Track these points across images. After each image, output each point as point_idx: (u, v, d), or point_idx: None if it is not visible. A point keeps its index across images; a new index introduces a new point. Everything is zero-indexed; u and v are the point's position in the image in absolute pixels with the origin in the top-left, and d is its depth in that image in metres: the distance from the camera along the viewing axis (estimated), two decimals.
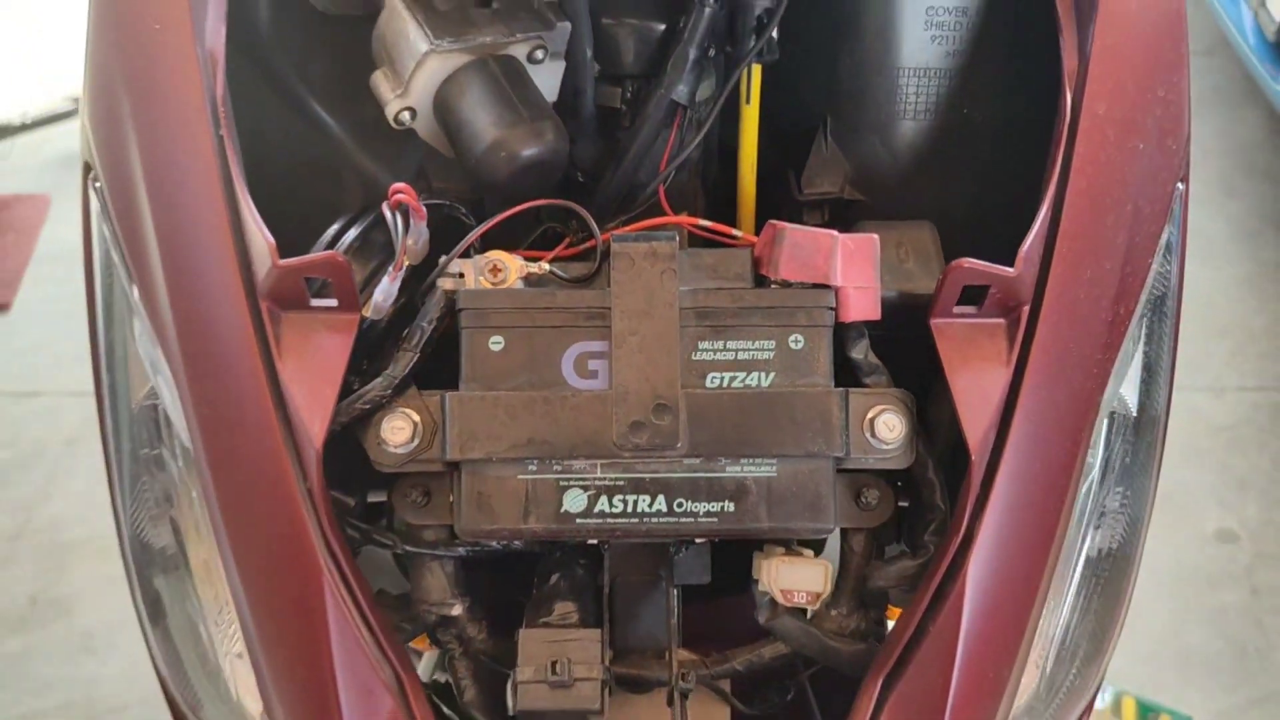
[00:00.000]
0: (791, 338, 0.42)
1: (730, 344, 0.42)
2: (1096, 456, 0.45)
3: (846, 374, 0.44)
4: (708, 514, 0.42)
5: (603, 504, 0.42)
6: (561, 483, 0.44)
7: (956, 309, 0.44)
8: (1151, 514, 0.50)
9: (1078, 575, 0.46)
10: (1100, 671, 0.48)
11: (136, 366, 0.48)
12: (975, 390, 0.42)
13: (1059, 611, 0.46)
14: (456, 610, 0.46)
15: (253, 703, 0.43)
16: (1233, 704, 1.21)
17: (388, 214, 0.43)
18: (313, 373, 0.41)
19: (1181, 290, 0.50)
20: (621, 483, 0.42)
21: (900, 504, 0.46)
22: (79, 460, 1.31)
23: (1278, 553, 1.33)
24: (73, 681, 1.12)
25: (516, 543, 0.46)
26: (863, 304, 0.42)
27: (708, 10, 0.46)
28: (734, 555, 0.48)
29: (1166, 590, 1.29)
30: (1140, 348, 0.48)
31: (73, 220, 1.39)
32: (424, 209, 0.44)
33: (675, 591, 0.47)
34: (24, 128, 1.51)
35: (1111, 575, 0.47)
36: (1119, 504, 0.47)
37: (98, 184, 0.45)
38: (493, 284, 0.43)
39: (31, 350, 1.40)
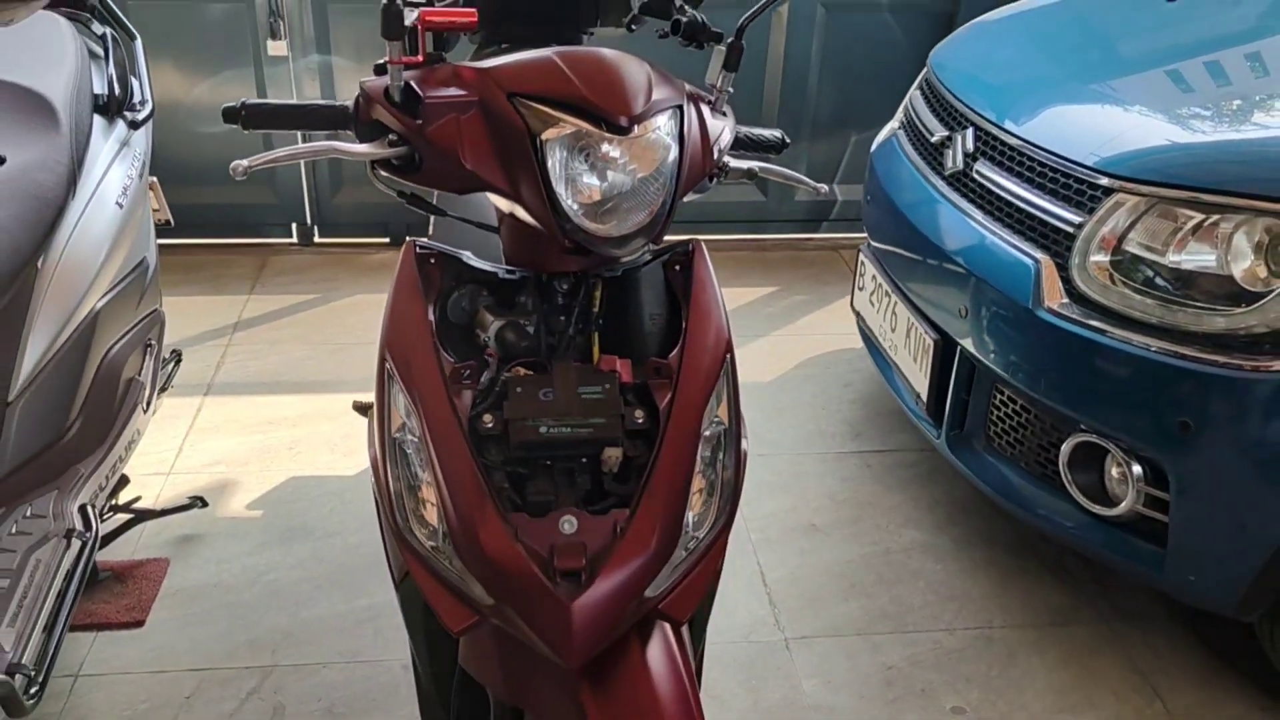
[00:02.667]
0: (605, 384, 1.23)
1: (590, 388, 1.23)
2: (709, 421, 1.25)
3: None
4: (587, 431, 1.19)
5: (554, 431, 1.19)
6: (540, 425, 1.14)
7: (654, 378, 1.24)
8: (744, 466, 1.29)
9: (707, 459, 1.24)
10: (730, 509, 1.24)
11: (396, 416, 1.24)
12: (663, 400, 1.23)
13: (703, 472, 1.23)
14: (499, 485, 1.20)
15: (432, 514, 1.16)
16: None
17: (489, 358, 1.24)
18: (464, 401, 1.20)
19: (737, 386, 1.32)
20: (560, 423, 1.20)
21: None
22: (195, 714, 1.94)
23: (993, 717, 2.02)
24: None
25: (520, 468, 1.21)
26: (626, 378, 1.23)
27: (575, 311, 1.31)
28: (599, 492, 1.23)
29: None
30: (725, 394, 1.29)
31: (184, 575, 2.13)
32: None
33: (584, 483, 1.21)
34: (155, 514, 2.29)
35: (728, 476, 1.25)
36: (724, 446, 1.26)
37: (388, 364, 1.26)
38: (519, 377, 1.24)
39: (160, 648, 2.06)
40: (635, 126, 1.12)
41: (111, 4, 2.25)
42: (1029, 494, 2.12)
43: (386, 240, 3.85)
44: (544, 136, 1.11)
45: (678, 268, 1.32)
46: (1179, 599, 2.11)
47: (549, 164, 1.12)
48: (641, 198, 1.15)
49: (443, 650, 1.38)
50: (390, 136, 1.18)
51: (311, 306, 3.39)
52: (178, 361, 2.34)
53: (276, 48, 3.49)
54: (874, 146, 2.79)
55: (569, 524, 1.13)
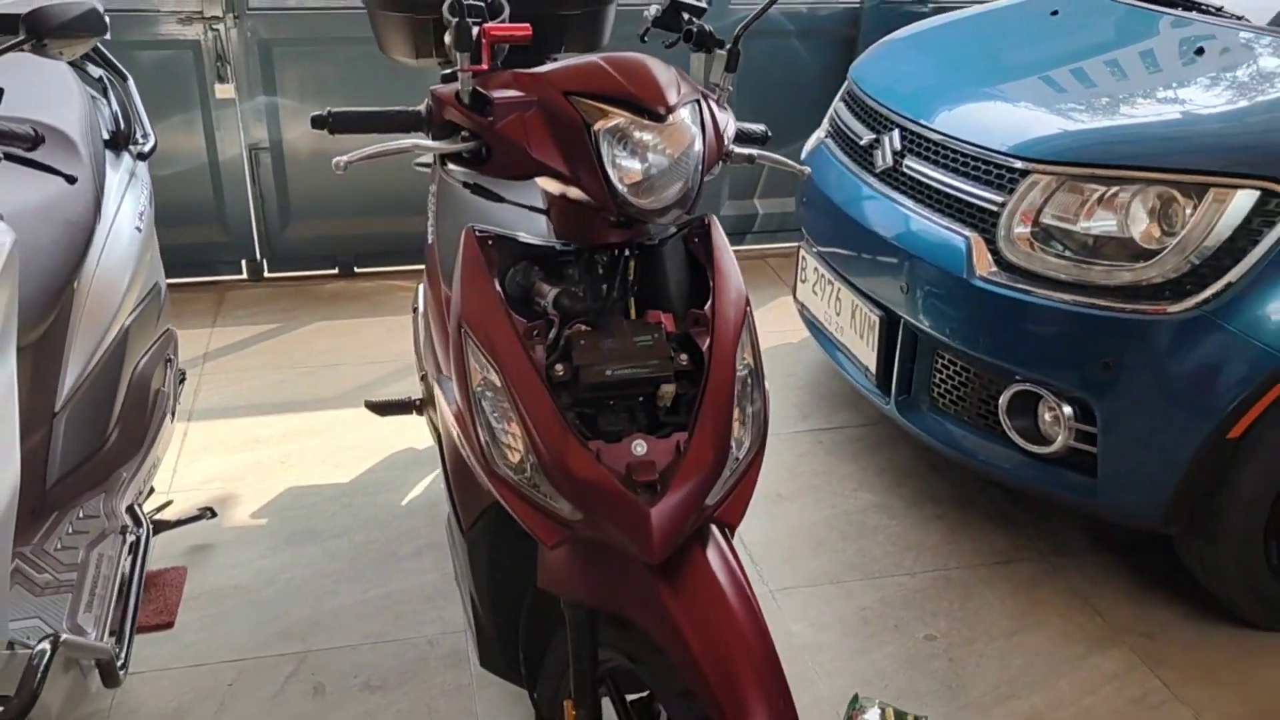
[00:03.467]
0: (654, 334, 1.45)
1: (642, 337, 1.45)
2: (740, 362, 1.48)
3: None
4: (646, 370, 1.40)
5: (617, 373, 1.40)
6: (606, 368, 1.40)
7: (695, 327, 1.47)
8: (768, 402, 1.53)
9: (740, 394, 1.47)
10: (761, 435, 1.48)
11: (476, 374, 1.42)
12: (704, 345, 1.46)
13: (740, 404, 1.46)
14: (573, 420, 1.40)
15: (514, 455, 1.36)
16: (949, 710, 2.10)
17: (552, 319, 1.45)
18: (538, 354, 1.40)
19: (757, 338, 1.56)
20: (621, 366, 1.41)
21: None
22: (239, 699, 2.06)
23: (960, 641, 2.28)
24: None
25: (587, 408, 1.42)
26: (670, 329, 1.46)
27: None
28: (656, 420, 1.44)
29: (903, 665, 2.21)
30: (749, 341, 1.52)
31: (204, 580, 2.26)
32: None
33: (643, 417, 1.43)
34: (170, 525, 2.40)
35: (757, 408, 1.49)
36: (753, 383, 1.50)
37: (464, 330, 1.46)
38: (581, 332, 1.44)
39: (194, 645, 2.17)
40: (669, 116, 1.35)
41: (102, 48, 2.40)
42: (973, 444, 2.40)
43: (335, 271, 4.00)
44: (596, 126, 1.34)
45: (696, 239, 1.55)
46: (1111, 520, 2.41)
47: (603, 149, 1.34)
48: (675, 176, 1.38)
49: (508, 584, 1.57)
50: (463, 134, 1.39)
51: (274, 335, 3.52)
52: (183, 380, 2.47)
53: (224, 91, 3.63)
54: (803, 155, 3.09)
55: (640, 446, 1.34)
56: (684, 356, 1.42)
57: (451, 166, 1.43)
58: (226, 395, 3.13)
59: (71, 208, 1.96)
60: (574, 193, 1.40)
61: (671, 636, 1.30)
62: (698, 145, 1.39)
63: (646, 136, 1.35)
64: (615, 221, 1.40)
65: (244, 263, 3.93)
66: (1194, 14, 2.66)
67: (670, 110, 1.35)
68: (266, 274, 3.94)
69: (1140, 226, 2.10)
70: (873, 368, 2.59)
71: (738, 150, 1.57)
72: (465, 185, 1.49)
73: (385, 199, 3.86)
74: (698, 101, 1.42)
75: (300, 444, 2.90)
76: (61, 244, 1.90)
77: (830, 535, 2.60)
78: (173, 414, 2.21)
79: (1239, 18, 2.58)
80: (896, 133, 2.58)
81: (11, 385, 1.45)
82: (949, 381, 2.44)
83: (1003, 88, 2.55)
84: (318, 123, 1.40)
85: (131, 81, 2.41)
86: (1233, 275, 2.00)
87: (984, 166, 2.31)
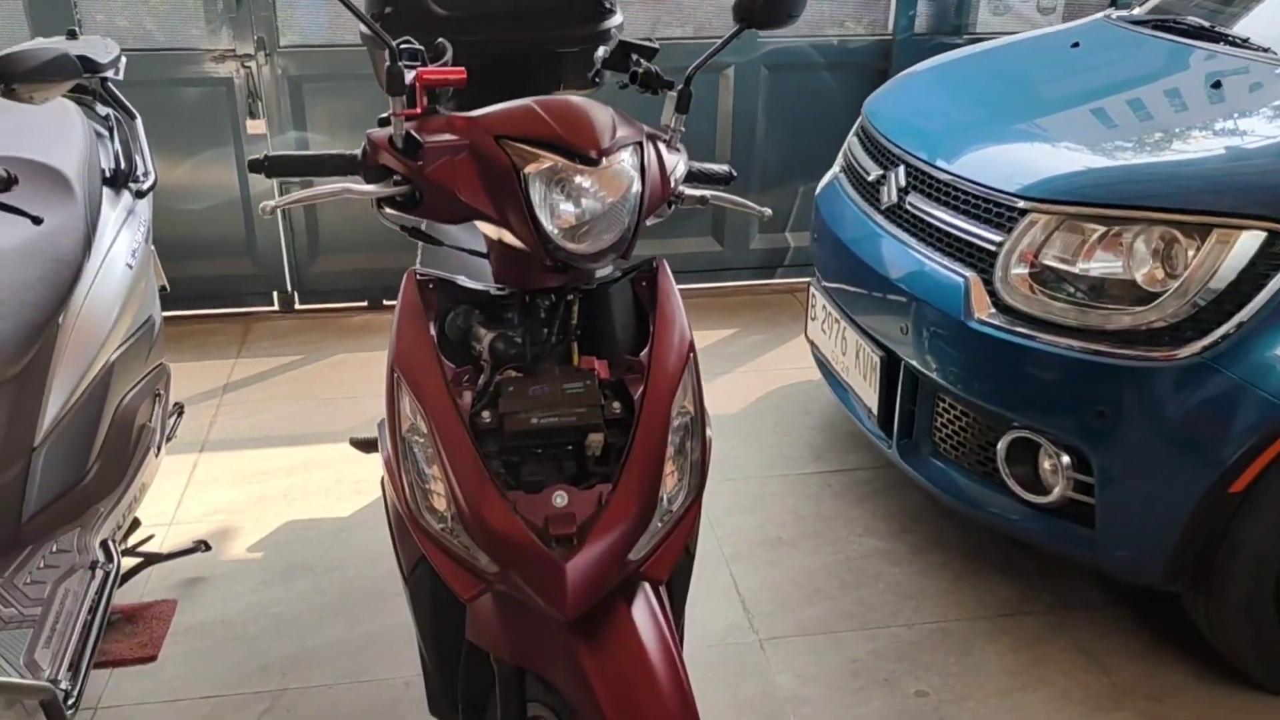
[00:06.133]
0: (585, 380, 1.42)
1: (573, 384, 1.42)
2: (678, 411, 1.43)
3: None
4: (572, 419, 1.37)
5: (543, 421, 1.37)
6: (531, 416, 1.33)
7: (628, 374, 1.43)
8: (709, 451, 1.48)
9: (677, 444, 1.42)
10: (699, 486, 1.42)
11: (405, 419, 1.40)
12: (636, 392, 1.42)
13: (674, 454, 1.41)
14: (497, 469, 1.37)
15: (440, 502, 1.34)
16: None
17: (484, 364, 1.42)
18: (465, 401, 1.38)
19: (700, 382, 1.51)
20: (548, 414, 1.38)
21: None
22: None
23: (953, 698, 2.19)
24: None
25: (514, 456, 1.40)
26: (604, 375, 1.42)
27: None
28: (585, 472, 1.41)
29: None
30: (690, 388, 1.48)
31: (192, 614, 2.28)
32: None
33: (570, 466, 1.39)
34: (162, 558, 2.42)
35: (695, 458, 1.44)
36: (692, 433, 1.45)
37: (396, 374, 1.44)
38: (510, 378, 1.42)
39: (174, 680, 2.18)
40: (603, 159, 1.32)
41: (112, 87, 2.45)
42: (974, 492, 2.31)
43: (365, 304, 4.04)
44: (526, 170, 1.32)
45: (644, 283, 1.51)
46: (1112, 576, 2.30)
47: (532, 194, 1.32)
48: (611, 220, 1.35)
49: (448, 633, 1.54)
50: (395, 178, 1.38)
51: (297, 367, 3.56)
52: (180, 413, 2.50)
53: (255, 126, 3.70)
54: (818, 190, 3.03)
55: (560, 498, 1.31)
56: (616, 404, 1.38)
57: (388, 210, 1.42)
58: (241, 426, 3.16)
59: (60, 245, 2.00)
60: (509, 237, 1.38)
61: (584, 697, 1.26)
62: (635, 188, 1.36)
63: (581, 181, 1.33)
64: (551, 266, 1.38)
65: (275, 294, 3.99)
66: (1217, 46, 2.56)
67: (603, 154, 1.32)
68: (297, 305, 4.00)
69: (1143, 268, 2.01)
70: (875, 409, 2.52)
71: (688, 192, 1.54)
72: (402, 229, 1.48)
73: None
74: (639, 144, 1.39)
75: (306, 477, 2.91)
76: (46, 280, 1.93)
77: (829, 582, 2.52)
78: (159, 449, 2.23)
79: (1265, 49, 2.47)
80: (902, 169, 2.52)
81: None
82: (950, 426, 2.35)
83: (1006, 126, 2.48)
84: (254, 166, 1.40)
85: (139, 120, 2.46)
86: (1237, 320, 1.90)
87: (984, 205, 2.24)
